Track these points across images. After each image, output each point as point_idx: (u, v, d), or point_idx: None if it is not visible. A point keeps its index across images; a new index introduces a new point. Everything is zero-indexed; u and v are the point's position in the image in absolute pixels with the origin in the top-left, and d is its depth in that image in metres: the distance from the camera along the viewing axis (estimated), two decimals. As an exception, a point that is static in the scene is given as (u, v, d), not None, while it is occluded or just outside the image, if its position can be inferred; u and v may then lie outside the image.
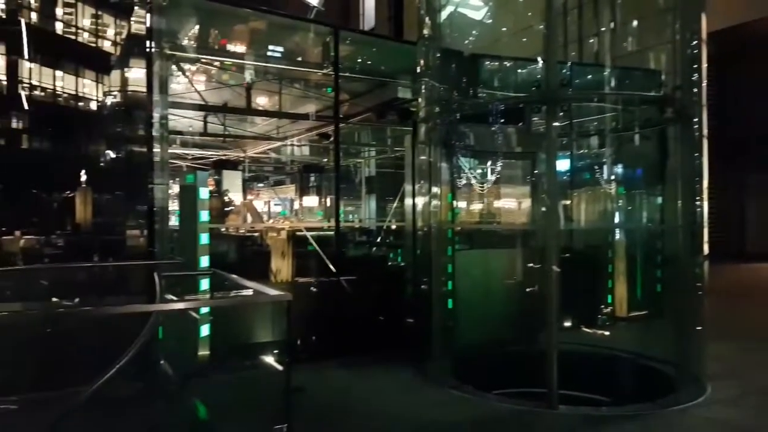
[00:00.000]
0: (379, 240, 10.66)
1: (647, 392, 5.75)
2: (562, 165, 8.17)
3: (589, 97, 7.41)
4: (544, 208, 5.79)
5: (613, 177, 8.27)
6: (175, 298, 5.03)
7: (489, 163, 7.89)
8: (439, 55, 6.84)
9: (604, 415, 5.31)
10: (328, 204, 15.71)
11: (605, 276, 8.29)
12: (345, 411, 5.47)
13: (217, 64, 9.48)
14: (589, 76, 8.37)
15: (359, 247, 10.60)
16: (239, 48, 9.49)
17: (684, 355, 6.18)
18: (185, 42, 8.57)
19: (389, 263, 9.54)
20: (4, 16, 26.27)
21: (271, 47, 9.53)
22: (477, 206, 8.53)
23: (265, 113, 11.46)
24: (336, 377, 6.46)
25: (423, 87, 6.84)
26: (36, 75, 27.37)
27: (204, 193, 6.41)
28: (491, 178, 7.84)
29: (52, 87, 28.40)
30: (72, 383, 4.25)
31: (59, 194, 21.95)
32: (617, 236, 8.52)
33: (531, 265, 6.77)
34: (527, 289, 6.99)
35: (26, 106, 26.07)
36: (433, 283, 6.60)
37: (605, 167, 8.37)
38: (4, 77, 25.92)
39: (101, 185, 20.15)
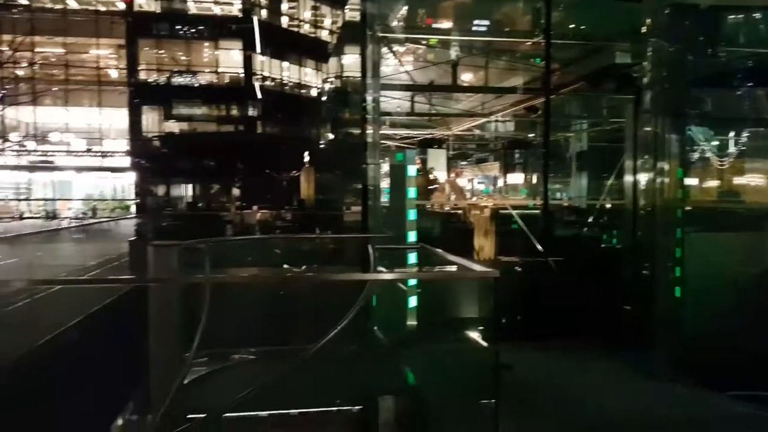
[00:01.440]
0: (590, 219, 9.98)
1: None
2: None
3: None
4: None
5: None
6: (385, 270, 5.26)
7: (731, 133, 6.78)
8: (668, 11, 6.03)
9: None
10: (534, 181, 15.22)
11: None
12: (554, 395, 5.25)
13: (423, 43, 9.68)
14: None
15: (568, 227, 10.05)
16: (445, 25, 9.56)
17: None
18: (394, 23, 8.87)
19: (602, 245, 8.88)
20: (240, 15, 30.03)
21: (476, 21, 9.43)
22: (713, 183, 7.44)
23: (470, 89, 11.43)
24: (543, 359, 6.23)
25: (649, 49, 6.11)
26: (266, 67, 30.87)
27: (412, 171, 6.60)
28: (733, 150, 6.74)
29: (279, 77, 31.81)
30: (297, 340, 4.70)
31: (287, 174, 24.65)
32: None
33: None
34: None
35: (259, 96, 29.61)
36: (657, 268, 5.94)
37: None
38: (241, 71, 29.71)
39: (321, 165, 22.13)
